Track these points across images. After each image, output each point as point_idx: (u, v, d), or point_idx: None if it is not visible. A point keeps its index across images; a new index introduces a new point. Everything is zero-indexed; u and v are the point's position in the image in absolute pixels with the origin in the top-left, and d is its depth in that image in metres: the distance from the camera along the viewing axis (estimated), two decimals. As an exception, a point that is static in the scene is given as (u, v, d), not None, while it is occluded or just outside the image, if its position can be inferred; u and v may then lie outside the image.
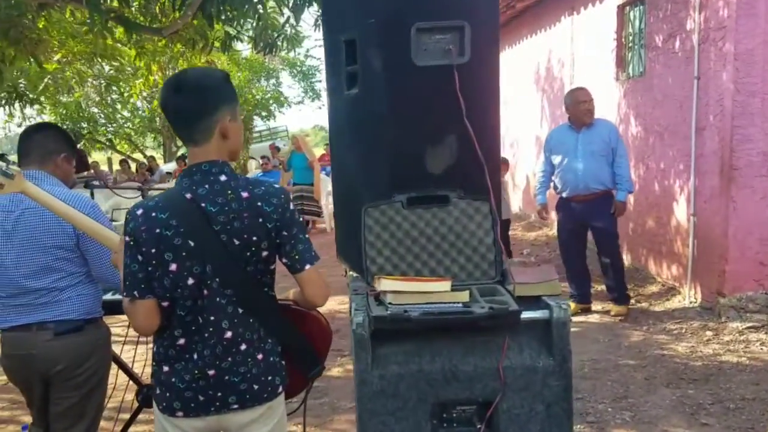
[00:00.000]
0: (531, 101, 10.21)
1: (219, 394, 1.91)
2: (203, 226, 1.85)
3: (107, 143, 23.30)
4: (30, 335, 2.57)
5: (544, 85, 9.68)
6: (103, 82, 15.32)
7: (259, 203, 1.89)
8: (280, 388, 2.02)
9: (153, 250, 1.84)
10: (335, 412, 4.01)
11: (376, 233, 2.51)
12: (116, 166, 19.28)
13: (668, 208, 6.11)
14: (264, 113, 22.11)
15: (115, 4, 5.51)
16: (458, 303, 2.26)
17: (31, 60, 6.62)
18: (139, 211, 1.88)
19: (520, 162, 10.91)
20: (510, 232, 8.24)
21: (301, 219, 2.00)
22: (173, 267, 1.85)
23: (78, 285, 2.63)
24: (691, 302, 5.59)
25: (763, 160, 5.09)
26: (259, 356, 1.95)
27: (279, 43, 7.26)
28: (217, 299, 1.88)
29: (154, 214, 1.86)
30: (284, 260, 1.95)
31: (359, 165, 2.69)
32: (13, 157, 2.71)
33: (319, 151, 15.83)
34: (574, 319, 5.51)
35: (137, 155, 23.33)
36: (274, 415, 2.01)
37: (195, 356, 1.90)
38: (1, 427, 4.07)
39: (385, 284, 2.29)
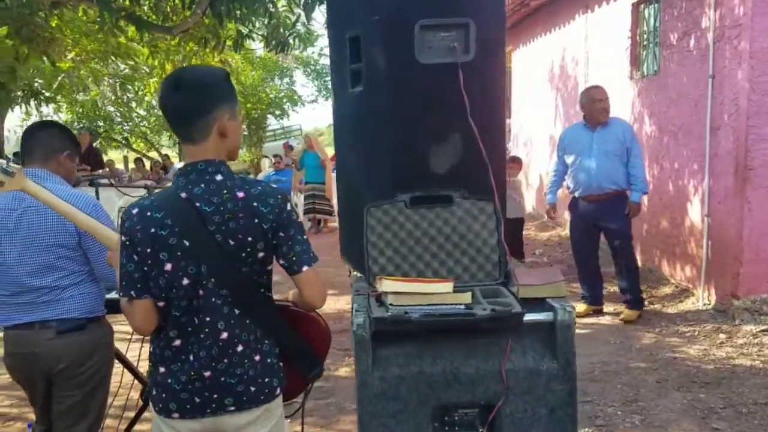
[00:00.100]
0: (545, 100, 10.13)
1: (215, 395, 1.89)
2: (198, 226, 1.83)
3: (123, 141, 23.47)
4: (33, 333, 2.57)
5: (558, 84, 9.61)
6: (118, 80, 15.40)
7: (255, 203, 1.86)
8: (278, 390, 1.99)
9: (148, 250, 1.83)
10: (341, 413, 3.98)
11: (379, 233, 2.48)
12: (132, 165, 19.39)
13: (682, 209, 6.03)
14: (278, 112, 22.16)
15: (126, 2, 5.52)
16: (460, 304, 2.23)
17: (45, 58, 6.64)
18: (135, 211, 1.86)
19: (534, 161, 10.83)
20: (523, 233, 8.17)
21: (299, 219, 1.97)
22: (168, 267, 1.83)
23: (80, 283, 2.62)
24: (704, 304, 5.51)
25: (779, 160, 5.01)
26: (256, 358, 1.92)
27: (291, 41, 7.25)
28: (213, 300, 1.86)
29: (149, 214, 1.84)
30: (281, 261, 1.93)
31: (362, 164, 2.67)
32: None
33: (331, 150, 15.76)
34: (586, 320, 5.46)
35: (153, 153, 23.46)
36: (271, 417, 1.99)
37: (191, 357, 1.88)
38: (9, 424, 4.08)
39: (386, 285, 2.26)
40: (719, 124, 5.31)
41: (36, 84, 11.29)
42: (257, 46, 19.19)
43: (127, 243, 1.85)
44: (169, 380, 1.89)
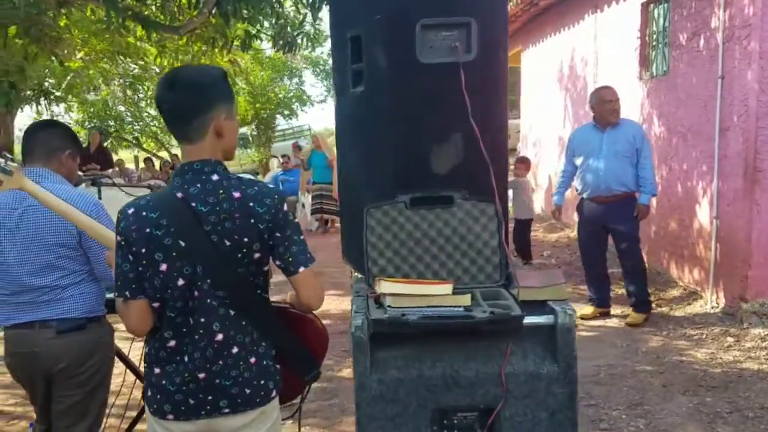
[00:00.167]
0: (554, 100, 10.08)
1: (209, 397, 1.87)
2: (194, 226, 1.81)
3: (134, 141, 23.55)
4: (33, 333, 2.57)
5: (568, 84, 9.55)
6: (128, 80, 15.47)
7: (251, 204, 1.84)
8: (274, 393, 1.97)
9: (143, 250, 1.81)
10: (344, 414, 3.96)
11: (378, 234, 2.47)
12: (142, 164, 19.47)
13: (691, 211, 5.98)
14: (286, 112, 22.17)
15: (133, 2, 5.53)
16: (459, 307, 2.21)
17: (53, 58, 6.67)
18: (131, 210, 1.85)
19: (543, 162, 10.78)
20: (531, 234, 8.13)
21: (296, 220, 1.95)
22: (163, 267, 1.82)
23: (81, 283, 2.62)
24: (712, 307, 5.45)
25: (789, 162, 4.95)
26: (252, 360, 1.90)
27: (299, 41, 7.24)
28: (208, 301, 1.85)
29: (144, 214, 1.83)
30: (278, 262, 1.91)
31: (363, 164, 2.65)
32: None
33: (340, 150, 15.76)
34: (593, 323, 5.42)
35: (163, 153, 23.55)
36: (267, 420, 1.97)
37: (185, 359, 1.87)
38: (13, 423, 4.09)
39: (384, 287, 2.24)
40: (728, 125, 5.26)
41: (47, 84, 11.35)
42: (266, 46, 19.26)
43: (123, 243, 1.84)
44: (164, 381, 1.88)
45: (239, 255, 1.85)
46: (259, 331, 1.93)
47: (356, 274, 2.78)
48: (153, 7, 6.39)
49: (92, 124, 22.26)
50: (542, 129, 10.97)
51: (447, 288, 2.26)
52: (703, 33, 5.65)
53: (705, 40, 5.63)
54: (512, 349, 2.25)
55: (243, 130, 21.52)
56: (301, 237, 1.93)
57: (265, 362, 1.94)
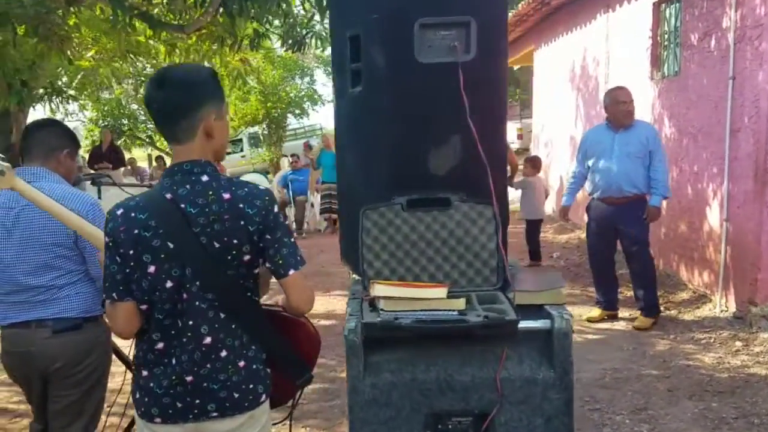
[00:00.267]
0: (566, 100, 10.01)
1: (197, 401, 1.85)
2: (182, 228, 1.79)
3: (147, 140, 23.65)
4: (29, 332, 2.57)
5: (579, 84, 9.48)
6: (140, 79, 15.53)
7: (241, 205, 1.82)
8: (263, 397, 1.94)
9: (131, 252, 1.80)
10: (346, 415, 3.92)
11: (374, 236, 2.44)
12: (154, 163, 19.55)
13: (701, 213, 5.91)
14: (298, 111, 22.19)
15: (139, 0, 5.54)
16: (453, 311, 2.18)
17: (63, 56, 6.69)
18: (119, 211, 1.83)
19: (554, 162, 10.71)
20: (541, 235, 8.07)
21: (286, 222, 1.93)
22: (152, 269, 1.80)
23: (77, 283, 2.61)
24: (722, 311, 5.38)
25: (801, 164, 4.87)
26: (241, 363, 1.88)
27: (308, 40, 7.23)
28: (197, 303, 1.82)
29: (133, 215, 1.81)
30: (268, 265, 1.88)
31: (361, 165, 2.63)
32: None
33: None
34: (600, 326, 5.37)
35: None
36: (256, 425, 1.94)
37: (173, 361, 1.85)
38: (15, 421, 4.11)
39: (378, 289, 2.22)
40: (739, 127, 5.18)
41: (60, 82, 11.40)
42: (277, 46, 19.30)
43: (111, 244, 1.82)
44: (152, 384, 1.86)
45: (229, 257, 1.83)
46: (249, 334, 1.91)
47: (354, 275, 2.75)
48: (160, 6, 6.39)
49: (106, 123, 22.41)
50: (554, 129, 10.91)
51: (441, 291, 2.23)
52: (715, 33, 5.58)
53: (716, 40, 5.56)
54: (508, 353, 2.21)
55: (254, 129, 21.56)
56: (292, 239, 1.91)
57: (254, 366, 1.91)
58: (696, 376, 4.24)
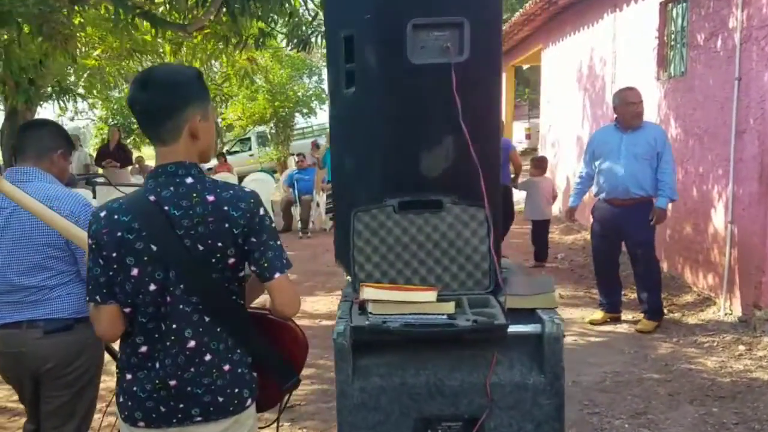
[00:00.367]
0: (573, 100, 9.96)
1: (181, 405, 1.84)
2: (166, 230, 1.78)
3: (156, 138, 23.63)
4: (20, 333, 2.56)
5: (586, 84, 9.42)
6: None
7: (226, 207, 1.80)
8: (249, 401, 1.92)
9: (114, 254, 1.78)
10: (343, 417, 3.92)
11: (366, 238, 2.42)
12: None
13: (706, 215, 5.85)
14: (305, 110, 22.20)
15: (142, -1, 5.54)
16: (443, 314, 2.15)
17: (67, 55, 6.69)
18: (103, 213, 1.82)
19: (561, 162, 10.66)
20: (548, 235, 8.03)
21: (273, 225, 1.91)
22: (135, 272, 1.79)
23: (68, 284, 2.61)
24: (726, 314, 5.32)
25: (807, 166, 4.81)
26: (226, 367, 1.86)
27: (313, 39, 7.20)
28: (181, 306, 1.81)
29: (116, 217, 1.79)
30: (253, 268, 1.86)
31: (355, 166, 2.61)
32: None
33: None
34: (602, 328, 5.32)
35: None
36: (241, 429, 1.92)
37: (157, 365, 1.83)
38: (14, 420, 4.12)
39: (367, 292, 2.20)
40: (744, 128, 5.13)
41: (68, 81, 11.43)
42: (284, 45, 19.30)
43: (94, 246, 1.81)
44: (135, 388, 1.85)
45: (213, 260, 1.81)
46: (234, 338, 1.89)
47: (348, 277, 2.74)
48: (164, 6, 6.38)
49: (115, 121, 22.49)
50: (561, 129, 10.85)
51: (431, 295, 2.21)
52: (721, 33, 5.52)
53: (722, 40, 5.50)
54: (498, 358, 2.19)
55: (262, 128, 21.58)
56: (278, 242, 1.89)
57: (239, 370, 1.89)
58: (698, 380, 4.20)
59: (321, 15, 6.38)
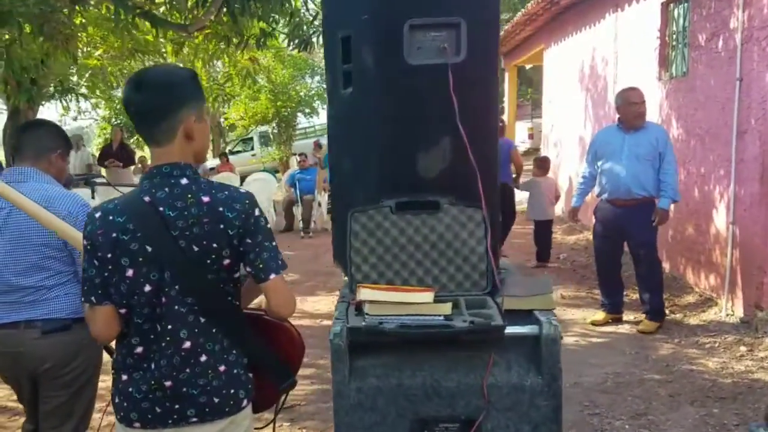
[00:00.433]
0: (575, 100, 9.95)
1: (176, 406, 1.83)
2: (161, 231, 1.77)
3: (159, 138, 23.64)
4: (18, 333, 2.56)
5: (588, 84, 9.41)
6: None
7: (221, 208, 1.80)
8: (245, 402, 1.92)
9: (109, 255, 1.78)
10: (343, 418, 3.91)
11: (363, 239, 2.42)
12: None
13: (707, 216, 5.83)
14: (307, 110, 22.21)
15: (142, -1, 5.55)
16: (439, 315, 2.15)
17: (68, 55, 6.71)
18: (98, 214, 1.82)
19: (563, 162, 10.64)
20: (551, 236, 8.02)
21: (268, 226, 1.90)
22: (130, 273, 1.78)
23: (66, 284, 2.61)
24: (727, 315, 5.31)
25: (808, 166, 4.80)
26: (221, 368, 1.86)
27: (314, 39, 7.20)
28: (176, 307, 1.80)
29: (111, 218, 1.79)
30: (248, 269, 1.86)
31: (352, 167, 2.61)
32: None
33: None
34: (603, 329, 5.31)
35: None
36: (237, 430, 1.91)
37: (152, 366, 1.83)
38: (15, 419, 4.12)
39: (363, 293, 2.19)
40: (746, 128, 5.11)
41: (71, 81, 11.45)
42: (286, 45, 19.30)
43: (89, 247, 1.81)
44: (131, 389, 1.84)
45: (208, 261, 1.81)
46: (230, 338, 1.88)
47: (346, 278, 2.73)
48: (165, 6, 6.39)
49: (118, 121, 22.49)
50: (563, 129, 10.83)
51: (428, 296, 2.20)
52: (722, 34, 5.51)
53: (724, 41, 5.49)
54: (495, 359, 2.19)
55: (264, 128, 21.57)
56: (273, 243, 1.89)
57: (235, 371, 1.89)
58: (698, 382, 4.19)
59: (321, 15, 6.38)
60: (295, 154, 15.06)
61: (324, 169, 10.70)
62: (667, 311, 5.42)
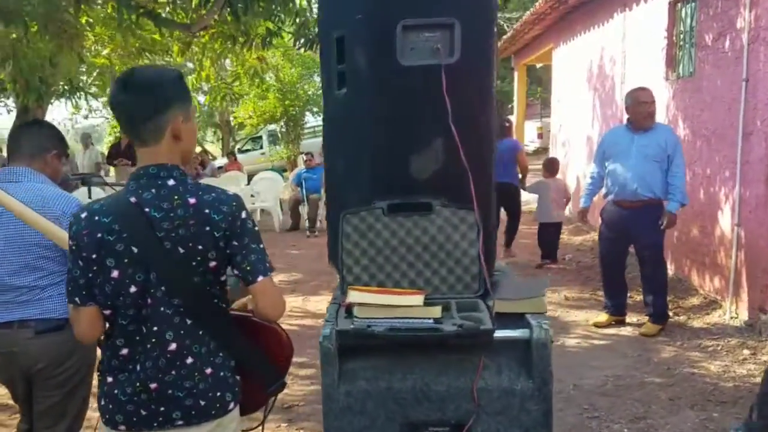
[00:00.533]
0: (583, 99, 9.89)
1: (162, 408, 1.83)
2: (147, 232, 1.77)
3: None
4: (11, 333, 2.57)
5: (596, 84, 9.36)
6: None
7: (207, 210, 1.79)
8: (232, 405, 1.91)
9: (94, 256, 1.78)
10: (341, 419, 3.90)
11: (354, 241, 2.41)
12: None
13: (713, 217, 5.78)
14: (315, 109, 22.21)
15: (144, -2, 5.56)
16: (429, 318, 2.13)
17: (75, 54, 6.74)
18: (84, 214, 1.81)
19: (572, 163, 10.59)
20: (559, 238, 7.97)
21: (256, 228, 1.89)
22: (115, 274, 1.78)
23: (60, 284, 2.60)
24: (732, 317, 5.26)
25: (814, 168, 4.74)
26: (208, 370, 1.85)
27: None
28: (162, 309, 1.80)
29: (97, 218, 1.79)
30: (236, 271, 1.85)
31: (345, 168, 2.59)
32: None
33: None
34: (605, 331, 5.27)
35: (196, 148, 23.71)
36: (224, 432, 1.92)
37: (137, 368, 1.82)
38: (15, 417, 4.13)
39: (353, 296, 2.18)
40: (752, 130, 5.06)
41: (80, 79, 11.49)
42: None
43: (74, 248, 1.81)
44: (116, 391, 1.84)
45: (194, 263, 1.80)
46: (217, 341, 1.88)
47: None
48: (169, 5, 6.40)
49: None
50: (572, 128, 10.78)
51: (418, 299, 2.19)
52: (729, 34, 5.46)
53: (730, 41, 5.44)
54: (486, 363, 2.17)
55: (272, 127, 21.60)
56: (261, 245, 1.88)
57: (222, 373, 1.88)
58: (699, 385, 4.15)
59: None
60: (302, 153, 15.08)
61: (330, 169, 10.69)
62: (670, 313, 5.38)
